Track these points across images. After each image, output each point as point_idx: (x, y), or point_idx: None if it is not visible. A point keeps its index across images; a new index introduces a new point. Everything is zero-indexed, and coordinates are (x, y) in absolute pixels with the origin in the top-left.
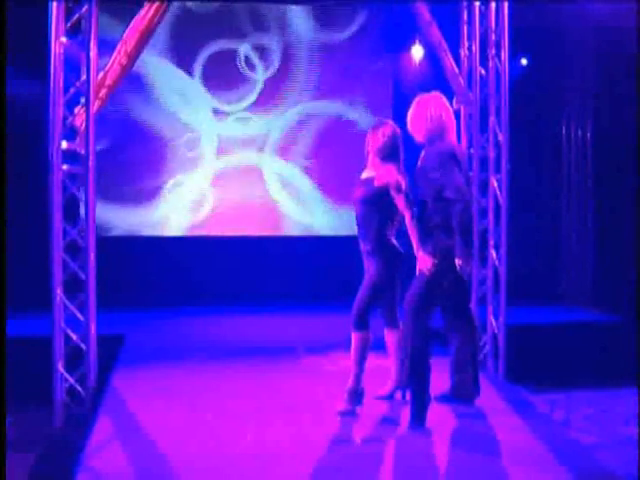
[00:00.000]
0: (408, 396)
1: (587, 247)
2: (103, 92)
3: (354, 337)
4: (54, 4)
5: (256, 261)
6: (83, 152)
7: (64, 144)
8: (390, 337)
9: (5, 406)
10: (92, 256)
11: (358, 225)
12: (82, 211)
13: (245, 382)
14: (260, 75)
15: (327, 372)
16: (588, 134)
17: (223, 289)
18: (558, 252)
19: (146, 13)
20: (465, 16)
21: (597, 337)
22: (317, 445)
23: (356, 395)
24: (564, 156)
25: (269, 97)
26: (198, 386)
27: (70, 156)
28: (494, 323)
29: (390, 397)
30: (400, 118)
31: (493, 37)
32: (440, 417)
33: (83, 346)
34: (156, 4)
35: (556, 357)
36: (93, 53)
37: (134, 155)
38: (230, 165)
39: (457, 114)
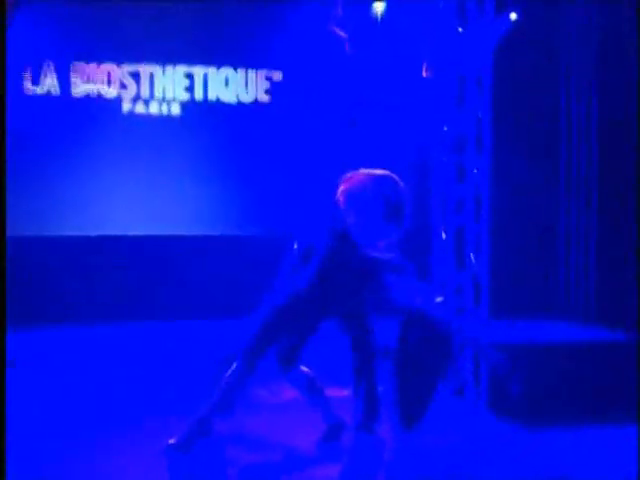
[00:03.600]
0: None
1: (590, 250)
2: None
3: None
4: None
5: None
6: None
7: None
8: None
9: (5, 406)
10: None
11: None
12: None
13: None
14: None
15: (269, 407)
16: (593, 109)
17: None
18: (554, 255)
19: None
20: None
21: (602, 359)
22: None
23: (331, 432)
24: (562, 136)
25: None
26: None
27: None
28: (474, 342)
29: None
30: None
31: None
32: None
33: None
34: None
35: (551, 384)
36: None
37: None
38: None
39: (427, 84)
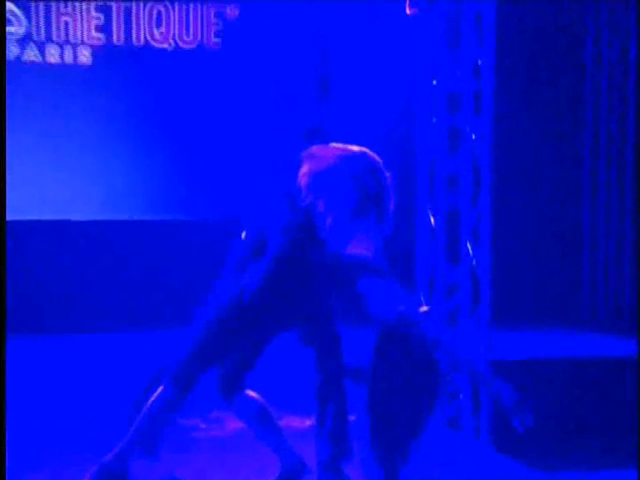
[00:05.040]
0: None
1: (624, 246)
2: None
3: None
4: None
5: None
6: None
7: None
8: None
9: (5, 407)
10: None
11: None
12: None
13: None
14: None
15: (207, 443)
16: (631, 76)
17: None
18: (574, 248)
19: None
20: None
21: (634, 381)
22: None
23: (288, 474)
24: (588, 100)
25: None
26: None
27: None
28: (471, 356)
29: None
30: None
31: None
32: None
33: None
34: None
35: (570, 411)
36: None
37: None
38: None
39: (412, 23)
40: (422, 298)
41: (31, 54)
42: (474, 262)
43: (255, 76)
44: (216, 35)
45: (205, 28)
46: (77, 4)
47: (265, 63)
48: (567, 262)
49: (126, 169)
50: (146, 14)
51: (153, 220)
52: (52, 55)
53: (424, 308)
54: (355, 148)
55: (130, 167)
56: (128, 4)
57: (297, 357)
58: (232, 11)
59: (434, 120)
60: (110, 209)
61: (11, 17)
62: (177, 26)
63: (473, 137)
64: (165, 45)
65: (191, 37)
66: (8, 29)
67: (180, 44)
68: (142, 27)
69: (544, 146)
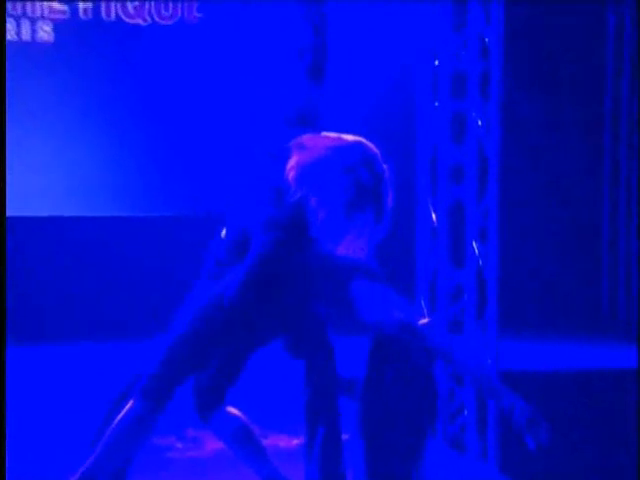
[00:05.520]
0: None
1: None
2: None
3: None
4: None
5: None
6: None
7: None
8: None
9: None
10: None
11: None
12: None
13: None
14: None
15: (183, 464)
16: None
17: None
18: (592, 249)
19: None
20: None
21: None
22: None
23: None
24: (608, 80)
25: None
26: None
27: None
28: (477, 366)
29: None
30: None
31: None
32: None
33: None
34: None
35: (589, 428)
36: None
37: None
38: None
39: None
40: (423, 304)
41: None
42: (480, 263)
43: (241, 56)
44: (198, 10)
45: (186, 1)
46: None
47: (252, 41)
48: (584, 263)
49: (93, 160)
50: None
51: (118, 217)
52: (7, 31)
53: (424, 320)
54: (349, 137)
55: (98, 158)
56: None
57: (284, 369)
58: None
59: (436, 105)
60: (73, 203)
61: None
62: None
63: (479, 123)
64: (139, 21)
65: (170, 12)
66: None
67: (157, 19)
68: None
69: (559, 134)
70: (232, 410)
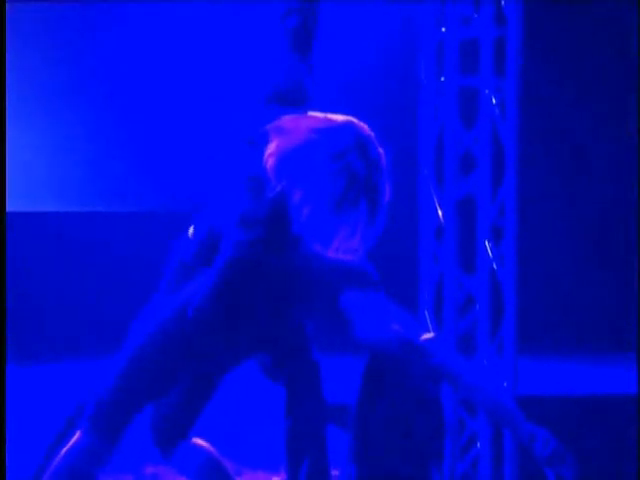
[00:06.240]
0: None
1: None
2: None
3: None
4: None
5: None
6: None
7: None
8: None
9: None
10: None
11: None
12: None
13: None
14: None
15: None
16: None
17: None
18: (627, 254)
19: None
20: None
21: None
22: None
23: None
24: None
25: None
26: None
27: None
28: (492, 391)
29: None
30: None
31: None
32: None
33: None
34: None
35: (623, 463)
36: None
37: None
38: None
39: None
40: (427, 316)
41: None
42: (495, 268)
43: (215, 21)
44: None
45: None
46: None
47: (225, 13)
48: (616, 269)
49: (64, 153)
50: None
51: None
52: None
53: (428, 335)
54: (338, 117)
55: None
56: None
57: (261, 394)
58: None
59: (442, 80)
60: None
61: None
62: None
63: (493, 102)
64: None
65: None
66: None
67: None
68: None
69: (587, 115)
70: (198, 442)
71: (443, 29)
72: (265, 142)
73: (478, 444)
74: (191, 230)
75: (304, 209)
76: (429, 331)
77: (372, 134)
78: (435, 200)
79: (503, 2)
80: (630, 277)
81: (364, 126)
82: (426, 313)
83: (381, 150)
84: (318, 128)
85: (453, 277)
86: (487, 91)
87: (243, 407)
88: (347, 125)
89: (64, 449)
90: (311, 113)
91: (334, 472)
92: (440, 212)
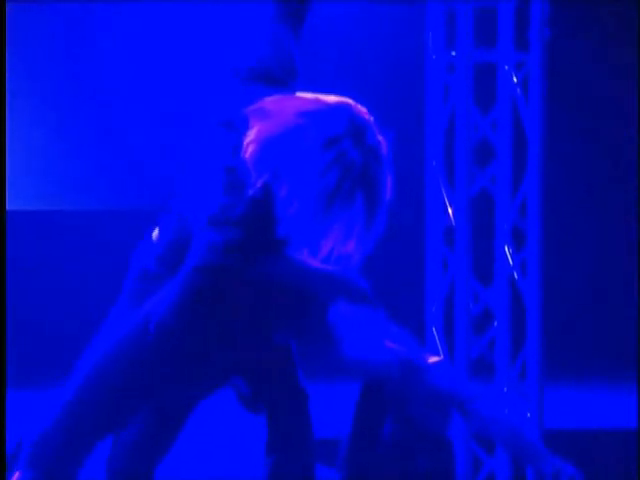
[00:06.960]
0: None
1: None
2: None
3: None
4: None
5: None
6: None
7: None
8: None
9: (5, 404)
10: None
11: None
12: None
13: None
14: None
15: None
16: None
17: None
18: None
19: None
20: None
21: None
22: None
23: None
24: None
25: None
26: None
27: None
28: (513, 423)
29: None
30: None
31: None
32: None
33: None
34: None
35: None
36: None
37: None
38: None
39: None
40: (435, 335)
41: None
42: (515, 278)
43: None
44: None
45: None
46: None
47: None
48: None
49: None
50: None
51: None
52: None
53: (435, 358)
54: (331, 98)
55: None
56: None
57: (238, 427)
58: None
59: (453, 54)
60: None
61: None
62: None
63: (514, 80)
64: None
65: None
66: None
67: None
68: None
69: (626, 98)
70: None
71: None
72: (245, 127)
73: None
74: (156, 232)
75: (289, 206)
76: (437, 354)
77: (371, 118)
78: (445, 197)
79: None
80: None
81: (361, 109)
82: (434, 331)
83: (381, 137)
84: (307, 111)
85: (466, 288)
86: (507, 67)
87: (217, 442)
88: (341, 107)
89: None
90: (299, 94)
91: None
92: (450, 211)
